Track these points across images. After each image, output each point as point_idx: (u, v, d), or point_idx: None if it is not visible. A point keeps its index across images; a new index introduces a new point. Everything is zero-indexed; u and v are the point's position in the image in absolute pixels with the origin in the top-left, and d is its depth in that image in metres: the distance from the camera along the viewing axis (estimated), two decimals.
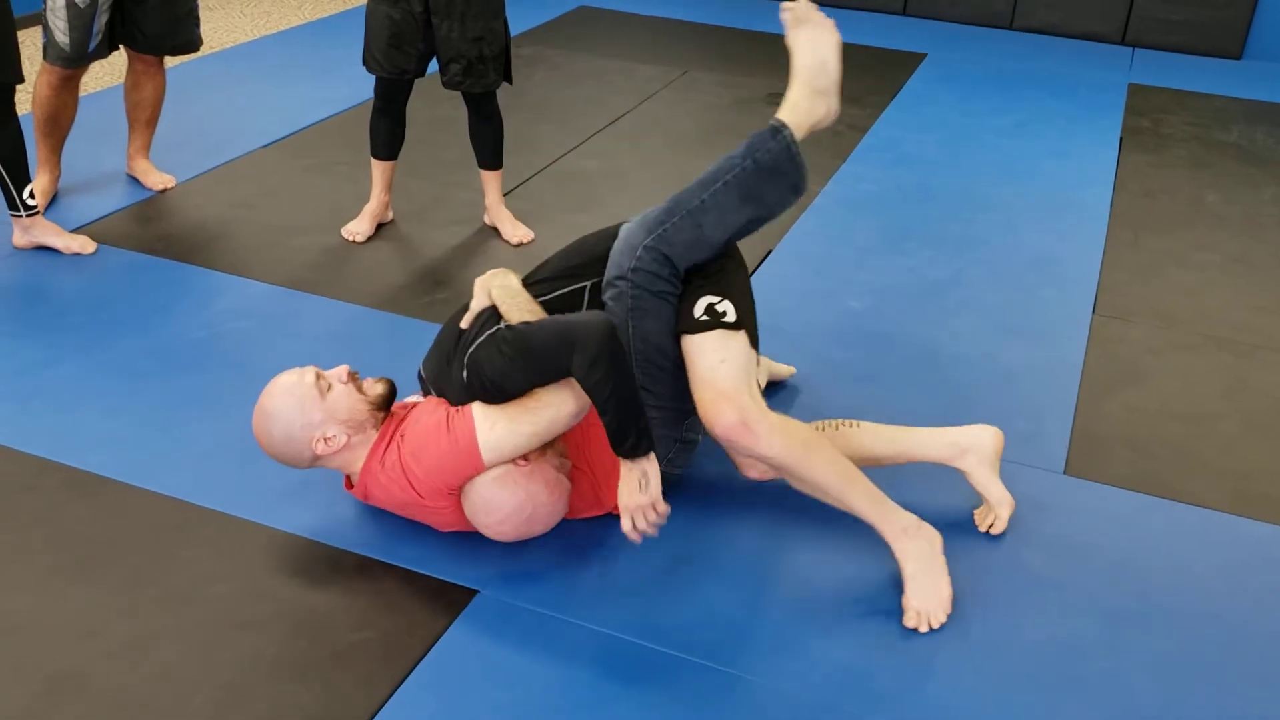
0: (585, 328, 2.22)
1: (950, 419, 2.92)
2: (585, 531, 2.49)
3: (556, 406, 2.27)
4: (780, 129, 2.45)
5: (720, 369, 2.32)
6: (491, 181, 3.88)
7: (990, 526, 2.56)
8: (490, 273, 2.49)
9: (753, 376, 2.37)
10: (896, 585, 2.37)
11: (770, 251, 3.82)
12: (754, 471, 2.59)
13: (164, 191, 4.11)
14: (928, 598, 2.30)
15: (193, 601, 2.29)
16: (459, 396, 2.36)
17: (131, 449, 2.73)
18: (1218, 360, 3.30)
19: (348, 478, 2.43)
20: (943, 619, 2.29)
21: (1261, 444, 2.93)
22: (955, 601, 2.34)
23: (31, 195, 3.55)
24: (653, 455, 2.28)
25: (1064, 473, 2.77)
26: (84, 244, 3.63)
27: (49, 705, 2.05)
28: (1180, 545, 2.56)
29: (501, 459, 2.27)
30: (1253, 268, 3.88)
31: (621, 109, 5.12)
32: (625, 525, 2.29)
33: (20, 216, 3.56)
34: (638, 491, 2.27)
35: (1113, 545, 2.55)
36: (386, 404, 2.39)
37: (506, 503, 2.28)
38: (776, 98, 5.28)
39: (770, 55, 5.96)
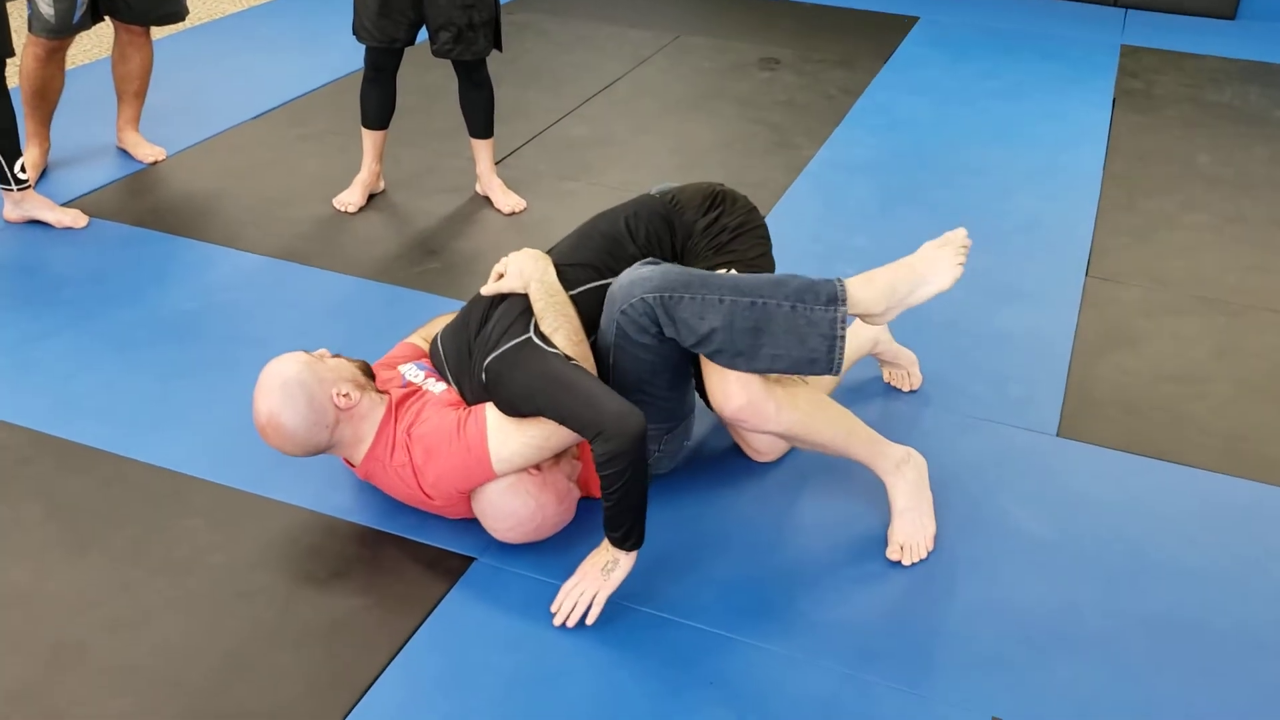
0: (618, 422, 2.10)
1: (943, 382, 2.94)
2: (580, 501, 2.50)
3: (566, 434, 2.24)
4: (836, 301, 2.26)
5: None
6: (483, 150, 3.86)
7: (910, 383, 2.89)
8: (530, 254, 2.37)
9: None
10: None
11: (764, 217, 3.81)
12: (764, 457, 2.64)
13: (155, 164, 4.09)
14: (913, 533, 2.39)
15: (192, 571, 2.31)
16: (475, 395, 2.33)
17: (127, 421, 2.73)
18: (1210, 321, 3.31)
19: (346, 459, 2.41)
20: (924, 554, 2.37)
21: (1253, 404, 2.94)
22: (950, 563, 2.37)
23: (23, 169, 3.54)
24: (634, 555, 2.20)
25: (1057, 435, 2.79)
26: (76, 217, 3.63)
27: (51, 675, 2.07)
28: (1173, 505, 2.58)
29: (512, 470, 2.25)
30: (1246, 228, 3.88)
31: (613, 75, 5.10)
32: (564, 591, 2.22)
33: (11, 190, 3.55)
34: (598, 571, 2.20)
35: (1106, 506, 2.56)
36: (370, 375, 2.39)
37: (517, 511, 2.28)
38: (768, 62, 5.29)
39: (761, 19, 5.94)
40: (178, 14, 3.94)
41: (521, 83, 4.92)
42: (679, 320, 2.22)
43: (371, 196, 3.89)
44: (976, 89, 5.06)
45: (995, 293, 3.41)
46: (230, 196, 3.87)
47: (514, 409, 2.24)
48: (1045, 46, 5.66)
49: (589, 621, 2.19)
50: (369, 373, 2.40)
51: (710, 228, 2.52)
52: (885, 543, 2.41)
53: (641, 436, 2.11)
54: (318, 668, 2.10)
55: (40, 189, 3.82)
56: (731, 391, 2.27)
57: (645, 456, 2.12)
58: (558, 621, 2.19)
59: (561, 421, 2.18)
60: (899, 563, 2.37)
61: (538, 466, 2.29)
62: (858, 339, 2.82)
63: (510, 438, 2.23)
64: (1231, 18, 6.27)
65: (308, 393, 2.24)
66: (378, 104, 3.75)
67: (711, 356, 2.25)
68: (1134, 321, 3.29)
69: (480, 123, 3.81)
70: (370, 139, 3.80)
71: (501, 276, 2.38)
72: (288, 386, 2.24)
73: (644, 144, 4.41)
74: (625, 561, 2.20)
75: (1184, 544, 2.46)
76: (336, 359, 2.36)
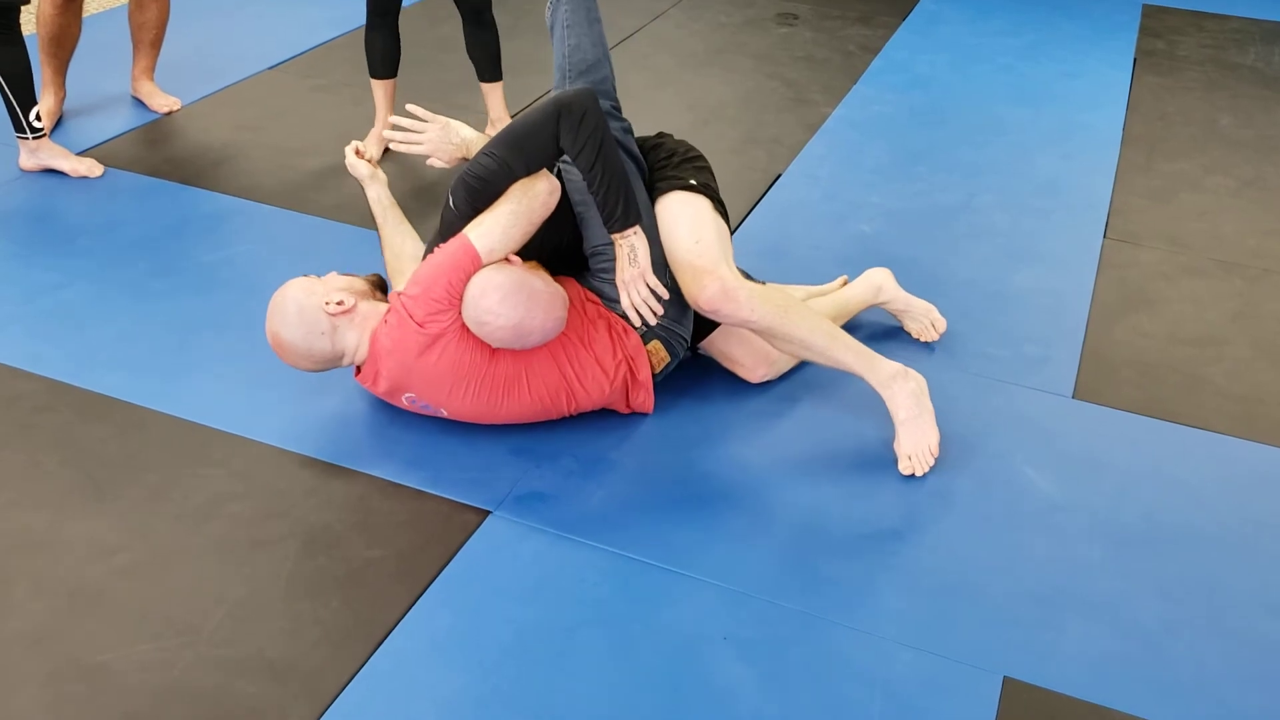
0: (569, 94, 2.41)
1: (960, 343, 2.94)
2: (595, 455, 2.52)
3: (527, 184, 2.41)
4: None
5: (698, 247, 2.45)
6: (493, 95, 3.83)
7: (934, 332, 2.89)
8: (452, 125, 2.69)
9: (728, 249, 2.51)
10: (901, 502, 2.40)
11: (780, 175, 3.80)
12: (755, 374, 2.69)
13: (170, 114, 4.08)
14: (917, 442, 2.47)
15: (209, 520, 2.32)
16: (444, 235, 2.46)
17: (144, 371, 2.74)
18: (1228, 285, 3.29)
19: (357, 367, 2.49)
20: (930, 463, 2.47)
21: (1270, 368, 2.93)
22: (963, 522, 2.38)
23: (38, 117, 3.53)
24: (639, 229, 2.44)
25: (1073, 397, 2.78)
26: (91, 167, 3.62)
27: (71, 621, 2.09)
28: (1187, 468, 2.58)
29: (493, 246, 2.37)
30: (1266, 192, 3.85)
31: (630, 28, 5.06)
32: (624, 302, 2.46)
33: (27, 139, 3.55)
34: (628, 265, 2.44)
35: (1120, 468, 2.56)
36: (381, 287, 2.54)
37: (504, 283, 2.33)
38: (786, 17, 5.24)
39: None
40: None
41: (536, 36, 4.88)
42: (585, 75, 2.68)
43: (387, 149, 3.88)
44: (996, 47, 5.01)
45: (1013, 253, 3.40)
46: (246, 147, 3.86)
47: (485, 185, 2.41)
48: (1066, 5, 5.59)
49: (664, 295, 2.46)
50: (381, 286, 2.55)
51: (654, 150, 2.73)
52: (903, 505, 2.41)
53: (594, 95, 2.42)
54: (334, 617, 2.11)
55: (55, 137, 3.82)
56: (705, 282, 2.41)
57: (604, 121, 2.40)
58: (637, 320, 2.46)
59: (529, 148, 2.40)
60: (912, 475, 2.45)
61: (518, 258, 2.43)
62: (856, 288, 2.88)
63: (484, 219, 2.39)
64: None
65: (297, 306, 2.41)
66: (382, 51, 3.71)
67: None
68: (1151, 284, 3.27)
69: (488, 65, 3.77)
70: (380, 89, 3.77)
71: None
72: (281, 305, 2.43)
73: (659, 99, 4.38)
74: (638, 240, 2.44)
75: (1198, 507, 2.46)
76: (345, 277, 2.51)
